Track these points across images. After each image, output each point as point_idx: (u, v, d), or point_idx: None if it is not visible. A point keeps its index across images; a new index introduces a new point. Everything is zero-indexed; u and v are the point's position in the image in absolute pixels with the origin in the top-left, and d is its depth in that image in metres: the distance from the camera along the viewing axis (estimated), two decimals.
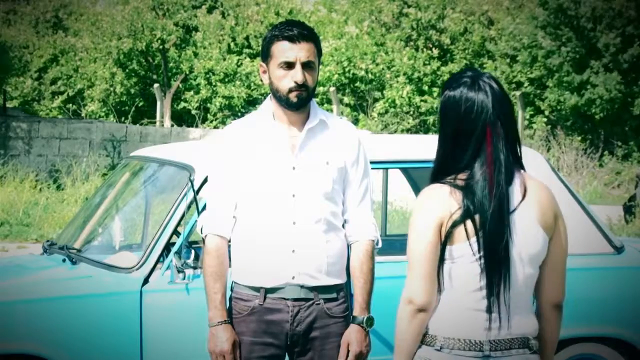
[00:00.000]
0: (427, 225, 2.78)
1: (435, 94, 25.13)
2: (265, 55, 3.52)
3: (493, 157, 2.79)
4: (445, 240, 2.77)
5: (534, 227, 2.82)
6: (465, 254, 2.77)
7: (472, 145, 2.80)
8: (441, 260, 2.79)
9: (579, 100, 22.83)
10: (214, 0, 27.67)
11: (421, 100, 25.49)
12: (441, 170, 2.86)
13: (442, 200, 2.79)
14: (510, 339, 2.81)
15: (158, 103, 21.49)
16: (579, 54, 23.00)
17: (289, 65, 3.45)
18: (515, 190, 2.82)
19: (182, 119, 26.59)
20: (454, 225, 2.76)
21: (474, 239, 2.76)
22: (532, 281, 2.85)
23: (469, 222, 2.76)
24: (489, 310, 2.77)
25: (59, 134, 19.06)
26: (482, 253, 2.75)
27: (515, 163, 2.85)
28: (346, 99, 25.93)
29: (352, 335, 3.47)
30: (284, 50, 3.45)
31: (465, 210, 2.76)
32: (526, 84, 24.53)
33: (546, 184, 2.91)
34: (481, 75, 2.87)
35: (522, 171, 2.87)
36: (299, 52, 3.44)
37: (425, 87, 25.84)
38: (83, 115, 27.02)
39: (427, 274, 2.77)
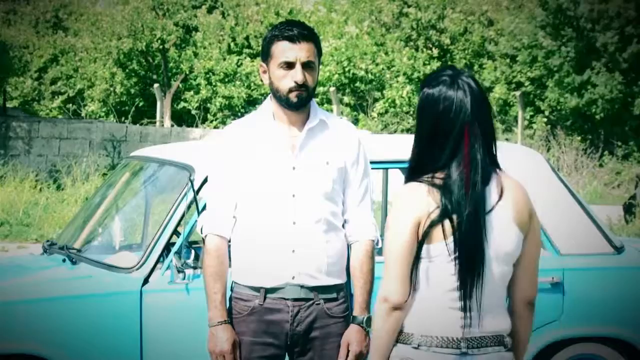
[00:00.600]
0: (405, 225, 2.79)
1: None
2: (265, 55, 3.52)
3: (470, 158, 2.80)
4: (422, 239, 2.78)
5: (510, 226, 2.84)
6: (442, 253, 2.78)
7: (450, 145, 2.81)
8: (417, 258, 2.80)
9: (579, 102, 22.82)
10: (214, 0, 27.67)
11: None
12: (417, 168, 2.87)
13: (420, 200, 2.79)
14: (486, 336, 2.83)
15: (158, 103, 21.48)
16: (579, 54, 22.99)
17: (289, 65, 3.45)
18: (492, 191, 2.84)
19: (182, 119, 26.58)
20: (432, 224, 2.77)
21: (450, 239, 2.77)
22: (506, 279, 2.88)
23: (446, 222, 2.77)
24: (464, 309, 2.79)
25: (59, 134, 19.07)
26: (457, 254, 2.77)
27: (492, 163, 2.86)
28: (346, 99, 25.92)
29: (352, 335, 3.48)
30: (284, 50, 3.45)
31: (443, 210, 2.77)
32: (526, 83, 24.52)
33: (521, 182, 2.94)
34: (460, 74, 2.87)
35: (498, 170, 2.88)
36: (299, 52, 3.44)
37: None
38: (83, 115, 27.01)
39: (403, 273, 2.79)
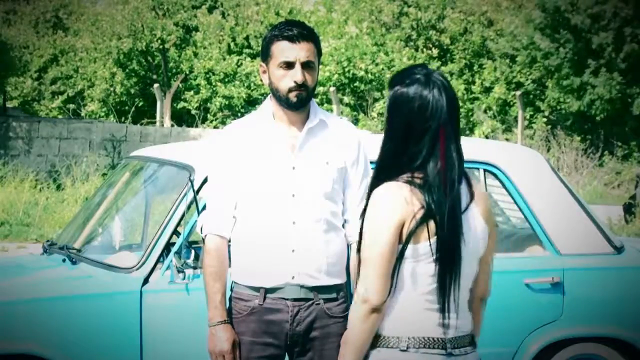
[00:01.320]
0: (389, 225, 2.78)
1: None
2: (265, 55, 3.52)
3: (446, 157, 2.80)
4: (407, 239, 2.77)
5: (481, 225, 2.87)
6: (427, 252, 2.79)
7: (426, 144, 2.80)
8: (400, 259, 2.79)
9: (580, 104, 22.79)
10: (214, 0, 27.66)
11: None
12: (389, 167, 2.85)
13: (404, 200, 2.79)
14: (464, 336, 2.86)
15: (158, 103, 21.46)
16: (577, 55, 22.97)
17: (289, 65, 3.45)
18: (465, 190, 2.86)
19: (182, 119, 26.58)
20: (418, 224, 2.77)
21: (434, 239, 2.78)
22: (473, 278, 2.90)
23: (431, 222, 2.77)
24: (444, 309, 2.80)
25: (59, 134, 19.06)
26: (439, 254, 2.77)
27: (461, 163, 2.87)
28: (346, 99, 25.92)
29: None
30: (283, 50, 3.45)
31: (428, 210, 2.77)
32: (527, 83, 24.51)
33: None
34: (432, 73, 2.86)
35: (466, 170, 2.90)
36: (298, 52, 3.44)
37: None
38: (83, 115, 27.02)
39: (384, 273, 2.78)
